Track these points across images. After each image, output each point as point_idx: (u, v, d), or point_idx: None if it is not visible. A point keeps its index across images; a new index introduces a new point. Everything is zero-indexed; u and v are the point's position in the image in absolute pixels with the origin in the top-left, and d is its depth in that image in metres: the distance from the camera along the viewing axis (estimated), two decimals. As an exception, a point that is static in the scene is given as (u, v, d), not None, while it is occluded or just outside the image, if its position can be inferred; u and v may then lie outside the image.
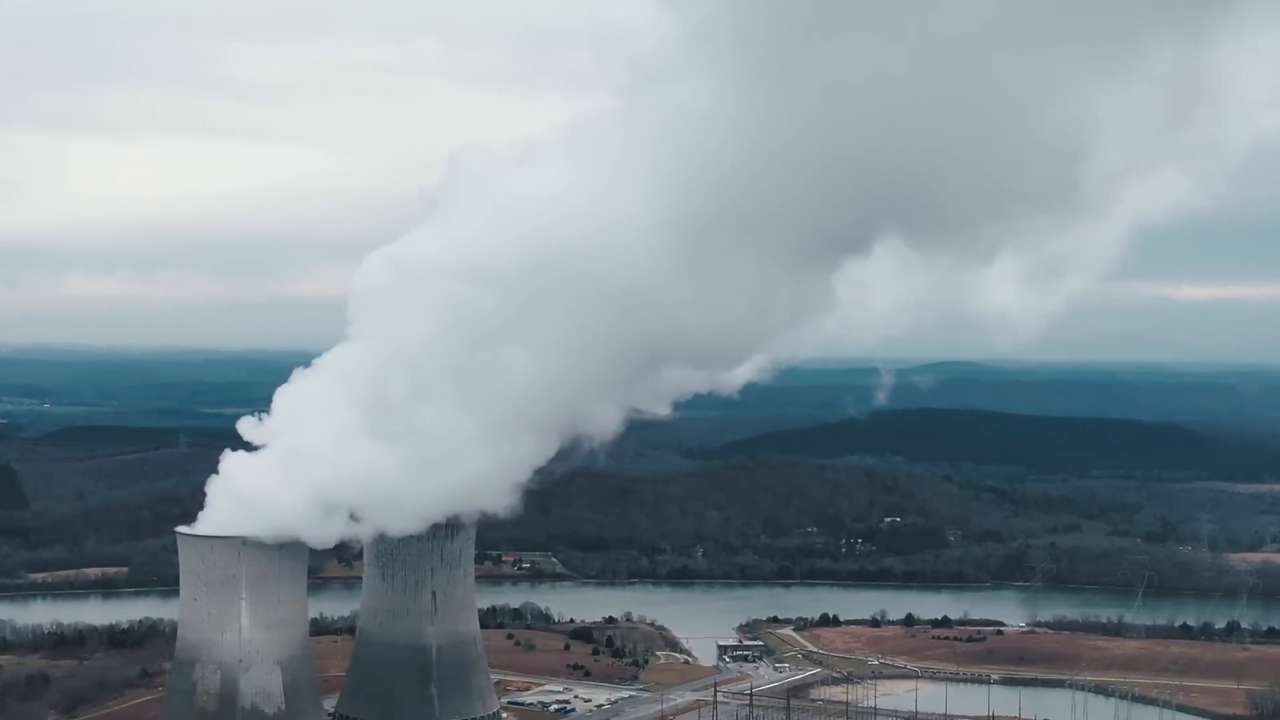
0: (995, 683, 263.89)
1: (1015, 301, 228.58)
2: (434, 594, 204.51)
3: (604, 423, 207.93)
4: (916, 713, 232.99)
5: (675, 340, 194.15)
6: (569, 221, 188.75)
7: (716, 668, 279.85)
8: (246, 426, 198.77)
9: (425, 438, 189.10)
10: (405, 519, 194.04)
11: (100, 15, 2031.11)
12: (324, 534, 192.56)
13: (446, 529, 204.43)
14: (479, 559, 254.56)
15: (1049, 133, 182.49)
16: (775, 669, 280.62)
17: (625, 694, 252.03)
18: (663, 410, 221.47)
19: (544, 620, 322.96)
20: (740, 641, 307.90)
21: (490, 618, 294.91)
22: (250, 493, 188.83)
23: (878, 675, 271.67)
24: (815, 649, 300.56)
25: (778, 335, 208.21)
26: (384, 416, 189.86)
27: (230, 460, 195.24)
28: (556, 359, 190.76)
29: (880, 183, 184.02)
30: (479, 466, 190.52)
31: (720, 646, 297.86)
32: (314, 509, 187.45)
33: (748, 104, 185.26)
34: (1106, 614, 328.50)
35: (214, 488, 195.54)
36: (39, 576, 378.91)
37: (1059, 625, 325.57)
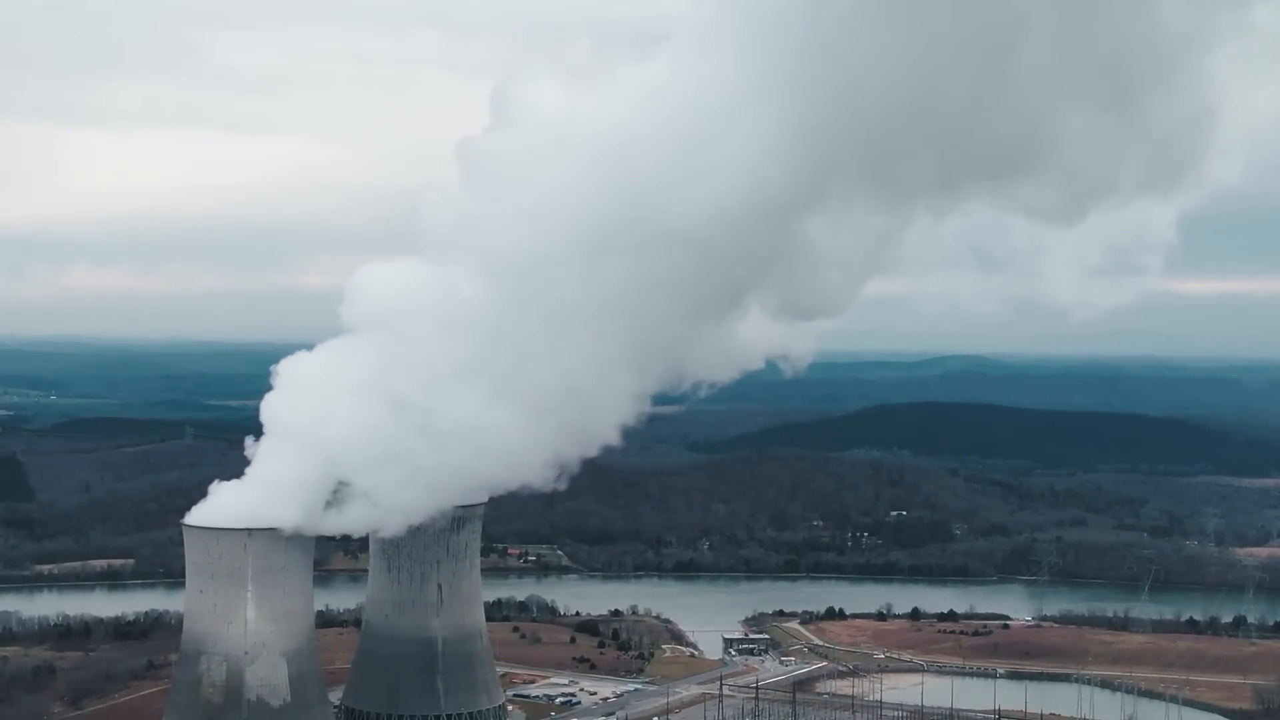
0: (1001, 677, 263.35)
1: (1083, 288, 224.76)
2: (440, 587, 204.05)
3: (678, 375, 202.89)
4: (922, 706, 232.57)
5: (768, 276, 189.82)
6: (654, 151, 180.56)
7: (722, 661, 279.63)
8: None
9: (528, 383, 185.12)
10: (517, 471, 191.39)
11: (98, 5, 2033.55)
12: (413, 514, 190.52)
13: (452, 522, 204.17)
14: (485, 552, 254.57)
15: (1176, 88, 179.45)
16: (781, 662, 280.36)
17: (631, 687, 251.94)
18: (727, 378, 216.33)
19: (549, 613, 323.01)
20: (746, 635, 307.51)
21: (496, 610, 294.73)
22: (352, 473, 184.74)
23: (883, 669, 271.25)
24: (821, 642, 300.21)
25: (870, 279, 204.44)
26: (481, 361, 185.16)
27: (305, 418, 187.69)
28: (635, 298, 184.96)
29: (995, 128, 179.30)
30: (581, 408, 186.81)
31: (726, 640, 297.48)
32: (437, 478, 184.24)
33: (863, 37, 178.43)
34: (1112, 608, 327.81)
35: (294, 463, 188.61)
36: (45, 568, 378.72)
37: (1065, 619, 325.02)
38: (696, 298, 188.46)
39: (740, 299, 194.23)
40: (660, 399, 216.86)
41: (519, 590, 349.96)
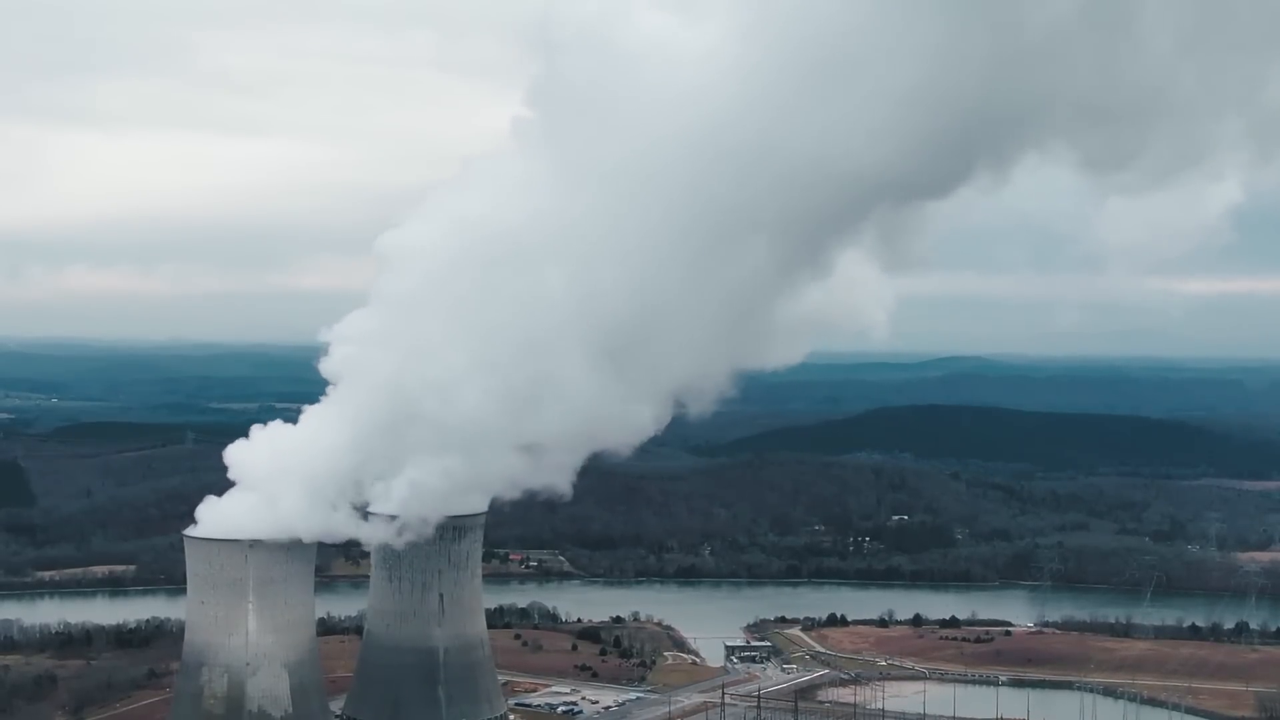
0: (1003, 684, 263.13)
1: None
2: (441, 596, 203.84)
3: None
4: (924, 714, 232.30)
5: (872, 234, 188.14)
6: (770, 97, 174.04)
7: (724, 668, 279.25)
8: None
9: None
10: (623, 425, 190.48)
11: (91, 6, 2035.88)
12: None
13: (454, 530, 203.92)
14: (486, 557, 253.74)
15: None
16: (783, 670, 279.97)
17: (633, 695, 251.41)
18: (794, 359, 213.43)
19: (551, 620, 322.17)
20: (748, 642, 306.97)
21: (497, 617, 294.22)
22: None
23: (886, 676, 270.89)
24: (823, 649, 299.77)
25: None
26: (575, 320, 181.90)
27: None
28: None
29: (1108, 91, 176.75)
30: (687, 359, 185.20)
31: (728, 647, 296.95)
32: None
33: None
34: (1115, 614, 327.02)
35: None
36: (46, 574, 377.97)
37: (1067, 625, 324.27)
38: (792, 256, 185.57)
39: (836, 255, 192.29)
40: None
41: (520, 596, 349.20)
